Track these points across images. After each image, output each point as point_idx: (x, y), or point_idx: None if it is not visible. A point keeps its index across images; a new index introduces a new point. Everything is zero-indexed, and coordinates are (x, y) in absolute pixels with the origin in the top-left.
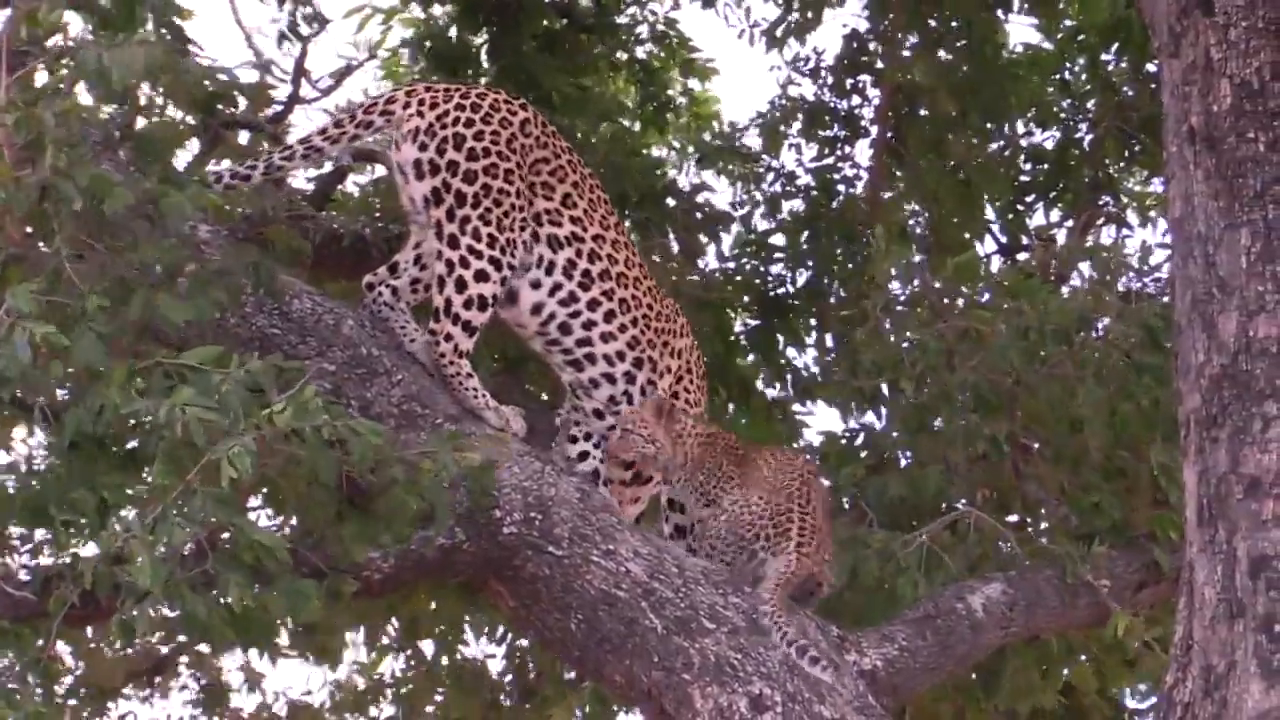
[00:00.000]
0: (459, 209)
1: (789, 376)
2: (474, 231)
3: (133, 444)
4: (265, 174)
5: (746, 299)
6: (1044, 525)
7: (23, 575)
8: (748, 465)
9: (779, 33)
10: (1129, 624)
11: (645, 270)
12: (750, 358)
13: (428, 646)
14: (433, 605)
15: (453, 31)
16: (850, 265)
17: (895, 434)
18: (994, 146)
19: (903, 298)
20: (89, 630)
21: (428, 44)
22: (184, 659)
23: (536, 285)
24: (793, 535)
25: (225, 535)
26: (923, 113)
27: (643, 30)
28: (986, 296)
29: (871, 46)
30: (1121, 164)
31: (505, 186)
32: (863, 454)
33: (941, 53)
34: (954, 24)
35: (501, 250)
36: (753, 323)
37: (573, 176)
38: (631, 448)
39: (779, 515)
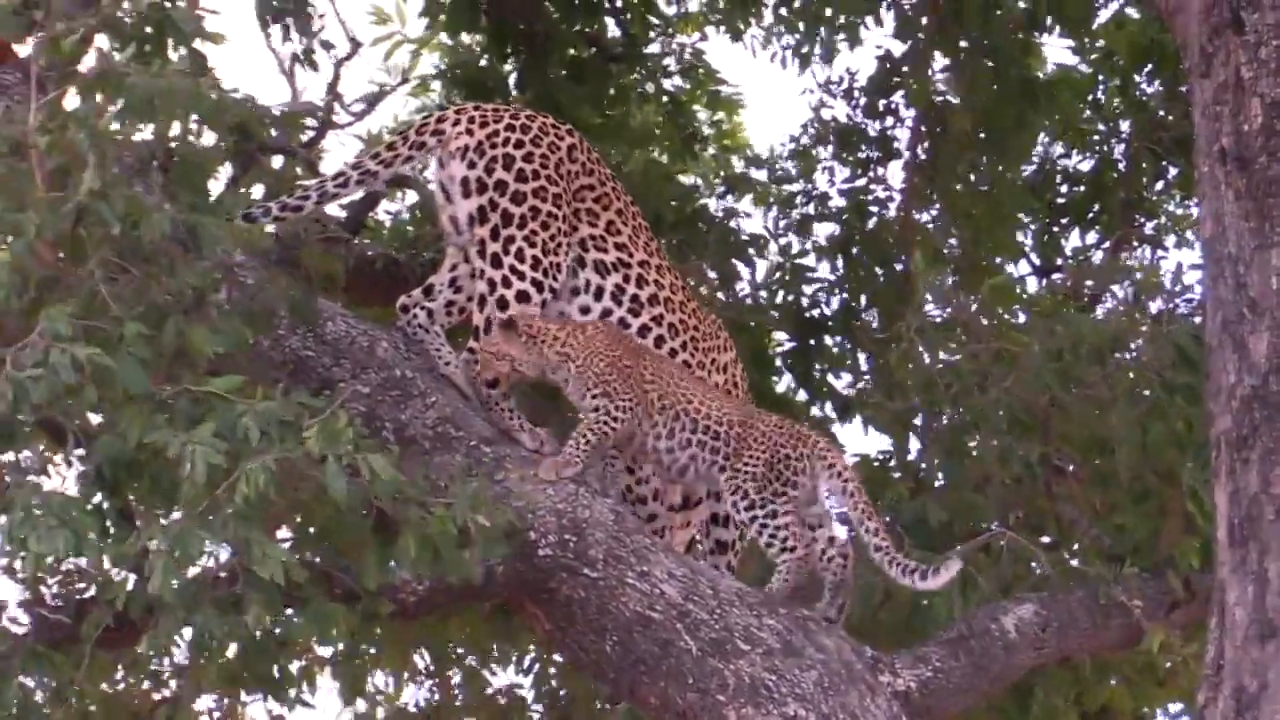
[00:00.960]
0: (504, 228)
1: (827, 398)
2: (518, 252)
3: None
4: (319, 202)
5: (779, 320)
6: (1076, 546)
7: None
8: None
9: (805, 50)
10: (1165, 640)
11: (688, 292)
12: (786, 380)
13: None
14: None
15: (482, 60)
16: (885, 287)
17: (932, 456)
18: (1029, 170)
19: (937, 319)
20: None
21: (456, 72)
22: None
23: (586, 311)
24: None
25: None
26: (955, 132)
27: (670, 62)
28: (1023, 319)
29: (904, 68)
30: (1159, 186)
31: (553, 210)
32: (897, 476)
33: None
34: (984, 43)
35: (544, 273)
36: (788, 345)
37: (617, 203)
38: (488, 368)
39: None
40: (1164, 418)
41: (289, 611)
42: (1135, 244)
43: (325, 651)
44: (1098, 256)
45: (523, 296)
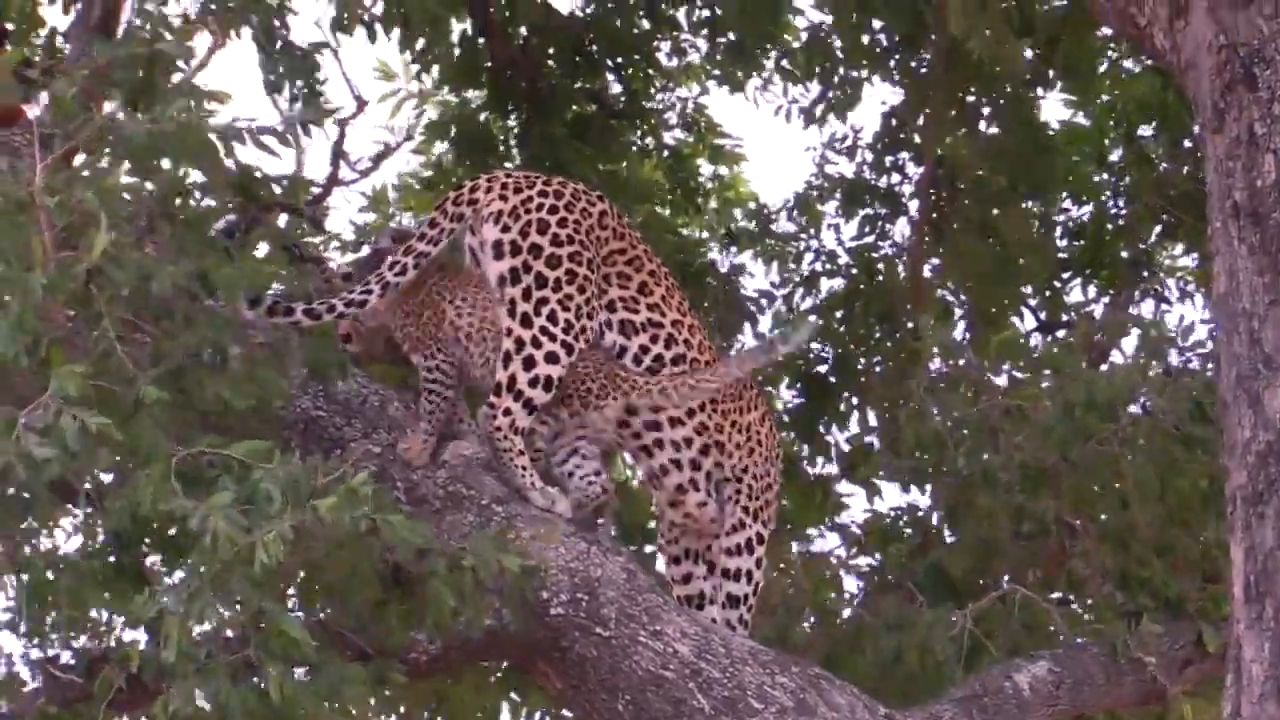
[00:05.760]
0: (537, 290)
1: (833, 454)
2: (550, 314)
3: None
4: (382, 294)
5: (787, 378)
6: (1090, 602)
7: (66, 657)
8: None
9: (818, 111)
10: (1199, 707)
11: (715, 353)
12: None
13: None
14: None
15: (483, 117)
16: (889, 344)
17: (943, 513)
18: (1033, 223)
19: (943, 375)
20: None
21: (453, 129)
22: None
23: None
24: None
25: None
26: (963, 188)
27: (672, 116)
28: (1024, 375)
29: (910, 123)
30: (1154, 239)
31: (588, 274)
32: (907, 533)
33: (982, 127)
34: (997, 100)
35: (575, 337)
36: (793, 402)
37: (649, 265)
38: None
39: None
40: (1183, 473)
41: (301, 672)
42: (1139, 297)
43: None
44: (1099, 311)
45: (551, 358)
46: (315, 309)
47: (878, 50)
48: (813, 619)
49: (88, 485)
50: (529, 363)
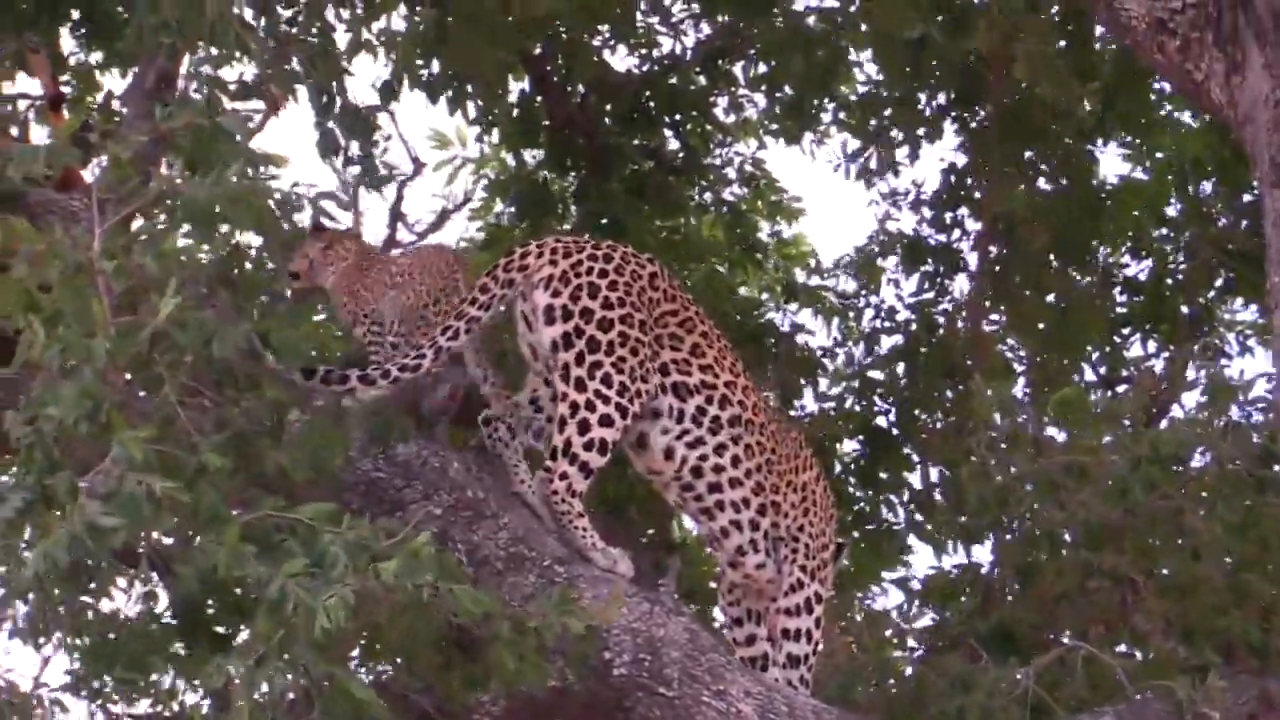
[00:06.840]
0: (590, 354)
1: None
2: (604, 377)
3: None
4: (435, 359)
5: (848, 433)
6: (1151, 656)
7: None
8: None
9: (873, 164)
10: None
11: (769, 413)
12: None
13: None
14: None
15: (541, 175)
16: (949, 400)
17: (1004, 570)
18: (1090, 279)
19: (999, 432)
20: None
21: (512, 190)
22: None
23: (666, 432)
24: None
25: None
26: (1020, 245)
27: (730, 172)
28: (1084, 431)
29: (969, 180)
30: (1212, 294)
31: (641, 337)
32: (968, 590)
33: (1041, 183)
34: (1053, 157)
35: (630, 400)
36: (856, 454)
37: (701, 327)
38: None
39: None
40: (1262, 516)
41: None
42: (1199, 352)
43: None
44: (1159, 366)
45: (606, 421)
46: (370, 375)
47: (933, 109)
48: (876, 679)
49: (143, 549)
50: (584, 426)
